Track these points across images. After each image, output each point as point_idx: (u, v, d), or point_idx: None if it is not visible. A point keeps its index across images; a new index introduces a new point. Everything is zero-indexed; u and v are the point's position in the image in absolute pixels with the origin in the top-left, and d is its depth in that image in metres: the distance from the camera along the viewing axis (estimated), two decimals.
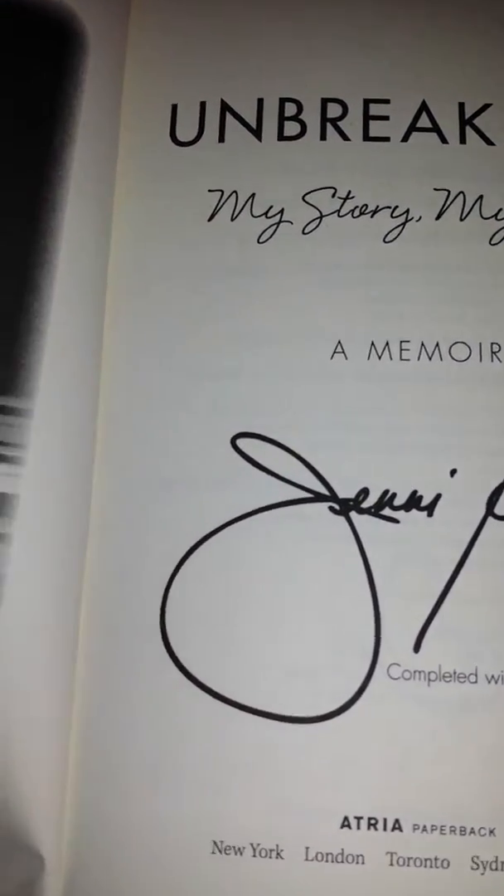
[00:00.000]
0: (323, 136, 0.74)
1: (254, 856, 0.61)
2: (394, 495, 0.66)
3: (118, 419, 0.68)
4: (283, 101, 0.75)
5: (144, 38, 0.77)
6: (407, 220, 0.71)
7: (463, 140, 0.73)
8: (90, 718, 0.64)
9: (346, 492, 0.66)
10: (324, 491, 0.66)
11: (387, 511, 0.65)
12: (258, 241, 0.71)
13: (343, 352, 0.69)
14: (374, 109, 0.74)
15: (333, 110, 0.74)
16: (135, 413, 0.68)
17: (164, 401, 0.68)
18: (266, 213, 0.72)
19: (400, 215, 0.72)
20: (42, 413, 0.65)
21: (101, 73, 0.72)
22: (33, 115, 0.69)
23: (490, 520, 0.65)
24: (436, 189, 0.72)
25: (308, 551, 0.65)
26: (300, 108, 0.74)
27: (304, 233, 0.71)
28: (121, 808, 0.62)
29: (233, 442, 0.67)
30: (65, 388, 0.67)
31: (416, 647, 0.63)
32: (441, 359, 0.68)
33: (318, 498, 0.66)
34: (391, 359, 0.68)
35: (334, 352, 0.68)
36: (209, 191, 0.73)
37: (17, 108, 0.69)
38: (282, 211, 0.72)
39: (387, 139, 0.73)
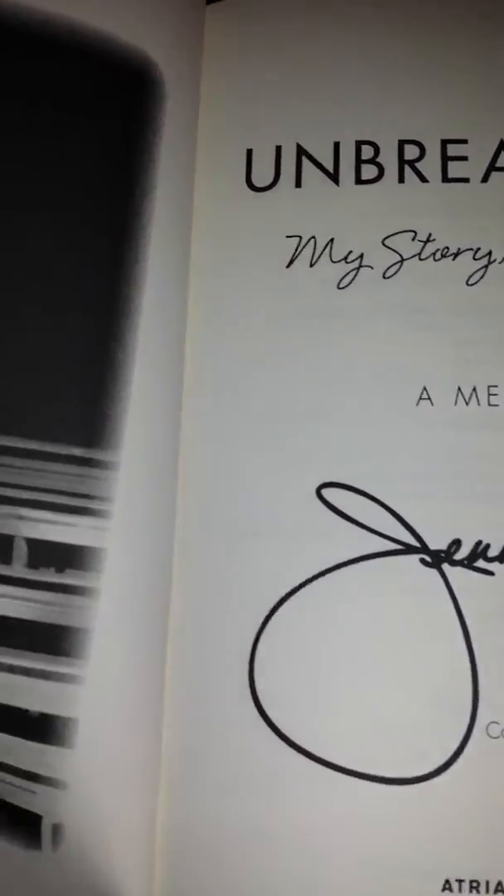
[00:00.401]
0: (401, 179, 0.73)
1: None
2: (487, 546, 0.64)
3: (200, 469, 0.68)
4: (359, 144, 0.74)
5: (217, 83, 0.77)
6: (490, 262, 0.70)
7: None
8: (178, 779, 0.62)
9: (437, 543, 0.64)
10: (414, 543, 0.64)
11: (481, 563, 0.64)
12: (338, 287, 0.71)
13: (429, 398, 0.67)
14: (453, 150, 0.73)
15: (411, 152, 0.73)
16: (217, 462, 0.68)
17: (246, 449, 0.68)
18: (346, 259, 0.71)
19: (482, 257, 0.70)
20: (127, 465, 0.65)
21: (177, 119, 0.72)
22: (114, 164, 0.69)
23: None
24: None
25: (399, 605, 0.63)
26: (377, 150, 0.74)
27: (384, 277, 0.70)
28: (211, 872, 0.61)
29: (318, 492, 0.66)
30: (148, 438, 0.66)
31: None
32: None
33: (408, 550, 0.64)
34: (479, 404, 0.67)
35: (420, 398, 0.67)
36: (287, 237, 0.72)
37: (99, 157, 0.69)
38: (361, 256, 0.71)
39: (466, 180, 0.72)
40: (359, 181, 0.73)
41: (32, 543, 0.63)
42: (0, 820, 0.62)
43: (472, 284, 0.70)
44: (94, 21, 0.69)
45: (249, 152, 0.75)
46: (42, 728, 0.61)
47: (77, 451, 0.64)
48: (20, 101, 0.68)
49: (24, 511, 0.63)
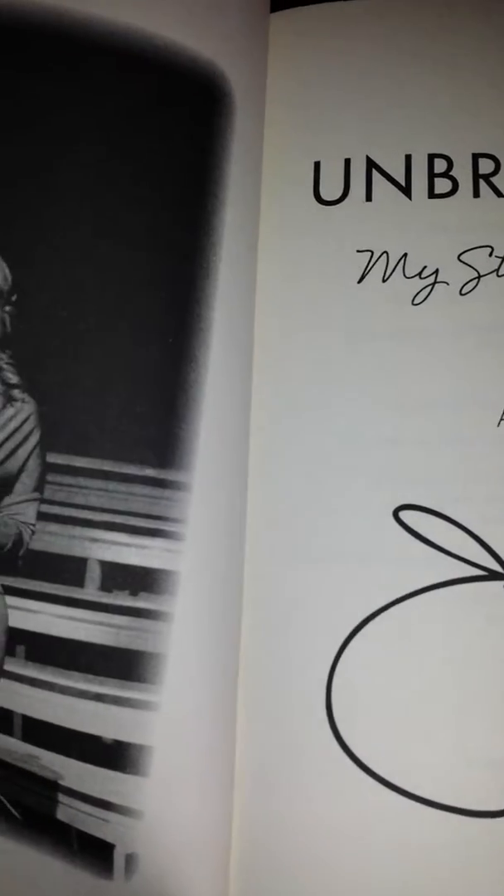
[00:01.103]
0: (476, 193, 0.71)
1: None
2: None
3: (270, 491, 0.66)
4: (431, 157, 0.72)
5: (282, 95, 0.75)
6: None
7: None
8: (252, 808, 0.61)
9: None
10: (499, 569, 0.63)
11: None
12: (412, 303, 0.69)
13: None
14: None
15: (485, 166, 0.72)
16: (288, 485, 0.66)
17: (319, 471, 0.66)
18: (420, 274, 0.70)
19: None
20: (199, 486, 0.63)
21: (244, 132, 0.71)
22: (185, 180, 0.68)
23: None
24: None
25: (483, 632, 0.62)
26: (450, 164, 0.72)
27: (461, 294, 0.69)
28: None
29: (395, 515, 0.64)
30: (218, 459, 0.65)
31: None
32: None
33: (492, 576, 0.63)
34: None
35: (501, 419, 0.65)
36: (358, 251, 0.71)
37: (169, 173, 0.67)
38: (436, 271, 0.69)
39: None
40: (432, 195, 0.72)
41: (106, 566, 0.62)
42: (71, 847, 0.61)
43: None
44: (165, 32, 0.67)
45: (317, 165, 0.74)
46: (116, 755, 0.60)
47: (150, 472, 0.63)
48: (95, 115, 0.66)
49: (98, 533, 0.62)
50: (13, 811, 0.63)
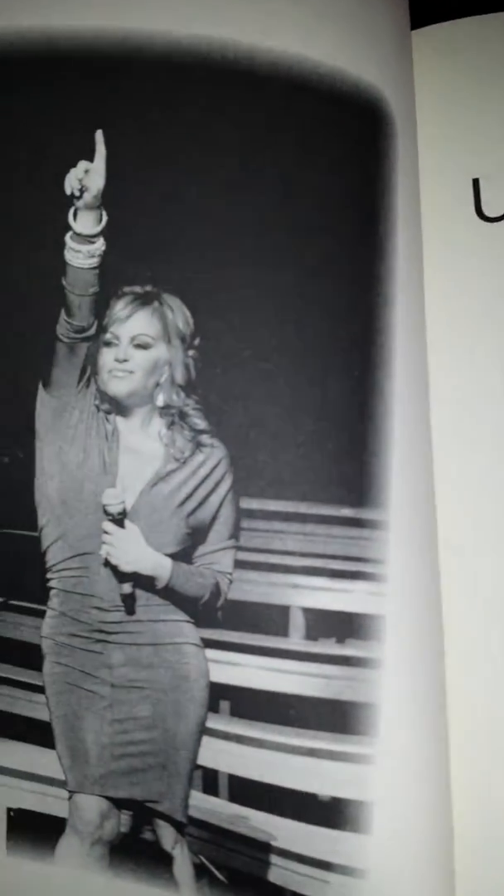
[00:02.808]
0: None
1: None
2: None
3: (461, 524, 0.63)
4: None
5: (431, 114, 0.73)
6: None
7: None
8: (476, 864, 0.58)
9: None
10: None
11: None
12: None
13: None
14: None
15: None
16: (478, 518, 0.63)
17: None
18: None
19: None
20: (395, 523, 0.61)
21: (405, 154, 0.69)
22: (357, 206, 0.66)
23: None
24: None
25: None
26: None
27: None
28: None
29: None
30: (409, 493, 0.62)
31: None
32: None
33: None
34: None
35: None
36: None
37: (341, 200, 0.65)
38: None
39: None
40: None
41: (309, 613, 0.59)
42: None
43: None
44: (327, 59, 0.66)
45: (476, 182, 0.72)
46: (334, 813, 0.57)
47: (348, 512, 0.60)
48: (271, 151, 0.65)
49: (299, 579, 0.60)
50: (218, 875, 0.61)
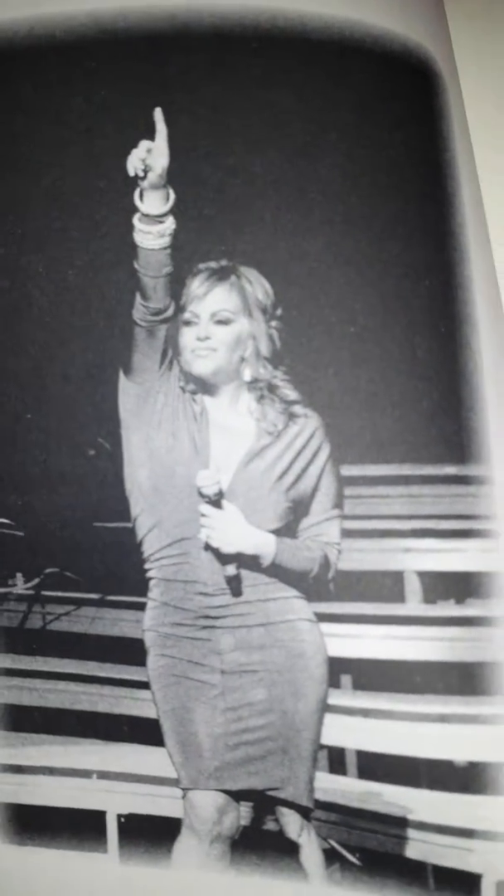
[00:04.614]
0: None
1: None
2: None
3: None
4: None
5: (470, 69, 0.73)
6: None
7: None
8: None
9: None
10: None
11: None
12: None
13: None
14: None
15: None
16: None
17: None
18: None
19: None
20: (499, 477, 0.59)
21: (457, 110, 0.68)
22: (421, 163, 0.65)
23: None
24: None
25: None
26: None
27: None
28: None
29: None
30: None
31: None
32: None
33: None
34: None
35: None
36: None
37: (407, 159, 0.65)
38: None
39: None
40: None
41: (425, 576, 0.58)
42: (426, 886, 0.56)
43: None
44: (376, 20, 0.65)
45: None
46: (473, 778, 0.56)
47: (451, 470, 0.59)
48: (333, 115, 0.64)
49: (410, 542, 0.58)
50: (351, 857, 0.59)
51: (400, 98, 0.66)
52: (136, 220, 0.60)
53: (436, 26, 0.70)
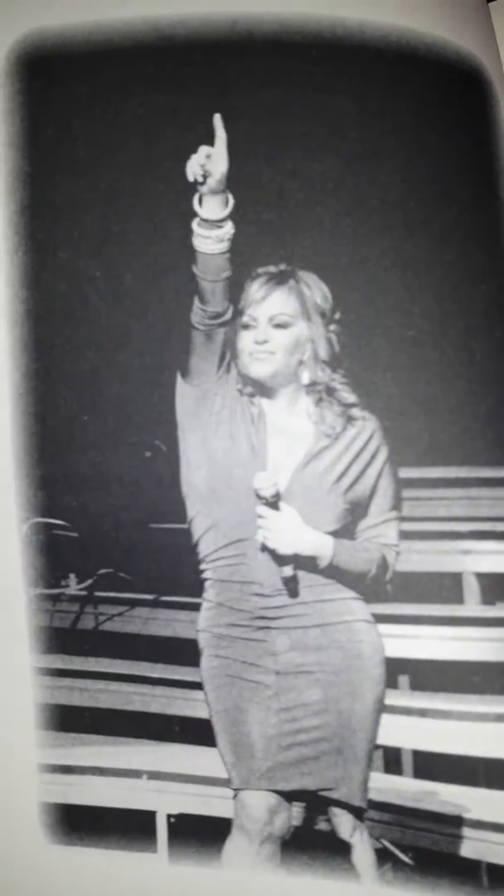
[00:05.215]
0: None
1: None
2: None
3: None
4: None
5: None
6: None
7: None
8: None
9: None
10: None
11: None
12: None
13: None
14: None
15: None
16: None
17: None
18: None
19: None
20: None
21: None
22: (474, 169, 0.66)
23: None
24: None
25: None
26: None
27: None
28: None
29: None
30: None
31: None
32: None
33: None
34: None
35: None
36: None
37: (461, 165, 0.65)
38: None
39: None
40: None
41: (483, 578, 0.59)
42: (479, 884, 0.57)
43: None
44: (430, 29, 0.66)
45: None
46: None
47: None
48: (389, 122, 0.65)
49: (469, 544, 0.59)
50: (403, 857, 0.59)
51: (454, 105, 0.66)
52: (195, 224, 0.61)
53: (484, 36, 0.70)
